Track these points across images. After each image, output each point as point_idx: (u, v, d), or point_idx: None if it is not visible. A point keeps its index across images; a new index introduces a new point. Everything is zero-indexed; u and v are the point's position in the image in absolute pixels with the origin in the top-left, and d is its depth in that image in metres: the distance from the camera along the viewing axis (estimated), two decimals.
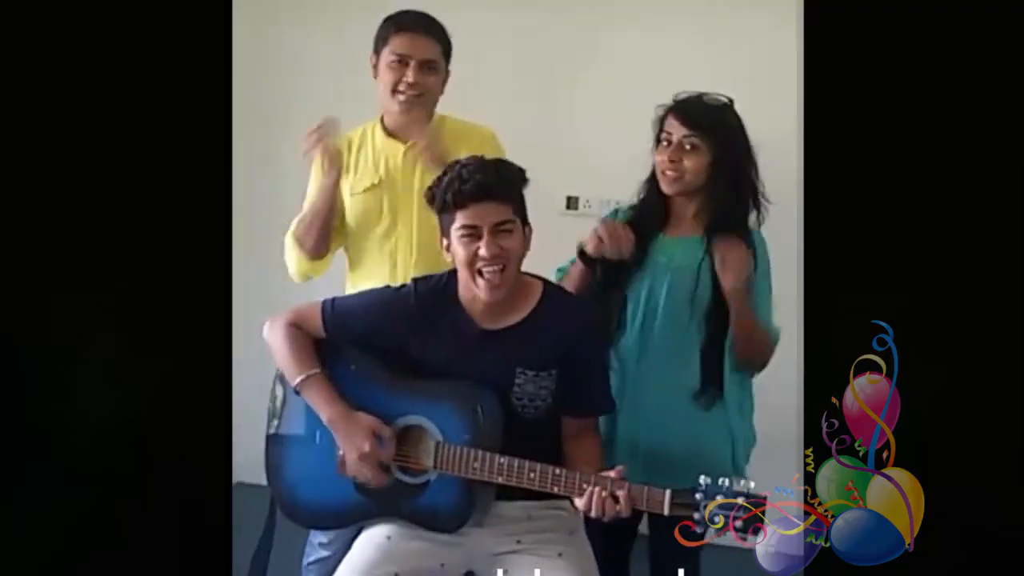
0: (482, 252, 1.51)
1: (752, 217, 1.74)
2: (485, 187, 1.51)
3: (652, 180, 1.76)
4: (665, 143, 1.70)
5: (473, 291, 1.55)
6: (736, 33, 2.58)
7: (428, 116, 1.90)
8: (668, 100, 1.74)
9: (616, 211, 1.83)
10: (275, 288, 2.05)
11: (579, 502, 1.44)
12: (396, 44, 1.83)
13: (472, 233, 1.52)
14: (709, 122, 1.69)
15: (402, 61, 1.82)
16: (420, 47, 1.83)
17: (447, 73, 1.90)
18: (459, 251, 1.53)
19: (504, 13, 2.68)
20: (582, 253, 1.73)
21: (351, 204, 1.91)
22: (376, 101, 1.93)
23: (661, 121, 1.73)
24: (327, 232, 1.90)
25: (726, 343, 1.68)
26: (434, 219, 1.60)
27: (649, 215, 1.75)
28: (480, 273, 1.52)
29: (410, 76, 1.82)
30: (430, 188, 1.57)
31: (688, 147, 1.67)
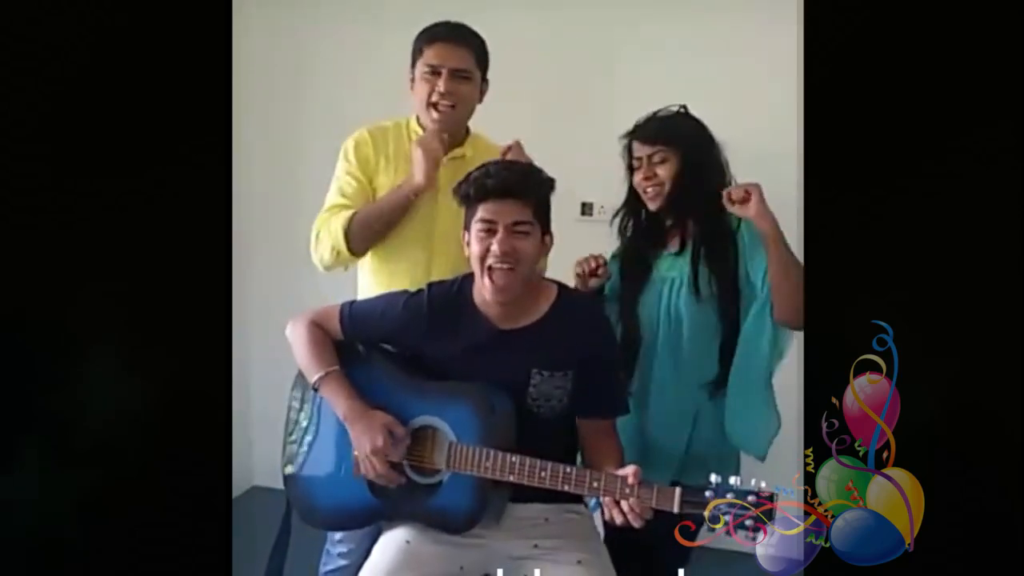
0: (494, 248, 1.52)
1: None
2: (508, 184, 1.53)
3: (636, 206, 1.82)
4: (637, 165, 1.78)
5: (482, 291, 1.57)
6: (741, 43, 2.62)
7: (463, 126, 1.91)
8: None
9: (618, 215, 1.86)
10: (290, 291, 2.06)
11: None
12: (428, 55, 1.83)
13: (489, 228, 1.53)
14: (667, 133, 1.75)
15: (435, 71, 1.82)
16: (451, 56, 1.82)
17: (484, 83, 1.90)
18: (474, 246, 1.55)
19: (520, 20, 2.69)
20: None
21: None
22: (383, 103, 1.96)
23: (628, 149, 1.80)
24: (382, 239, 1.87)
25: (739, 338, 1.70)
26: (460, 225, 1.62)
27: (647, 238, 1.81)
28: (489, 271, 1.53)
29: (441, 85, 1.81)
30: (459, 183, 1.60)
31: (658, 160, 1.74)
